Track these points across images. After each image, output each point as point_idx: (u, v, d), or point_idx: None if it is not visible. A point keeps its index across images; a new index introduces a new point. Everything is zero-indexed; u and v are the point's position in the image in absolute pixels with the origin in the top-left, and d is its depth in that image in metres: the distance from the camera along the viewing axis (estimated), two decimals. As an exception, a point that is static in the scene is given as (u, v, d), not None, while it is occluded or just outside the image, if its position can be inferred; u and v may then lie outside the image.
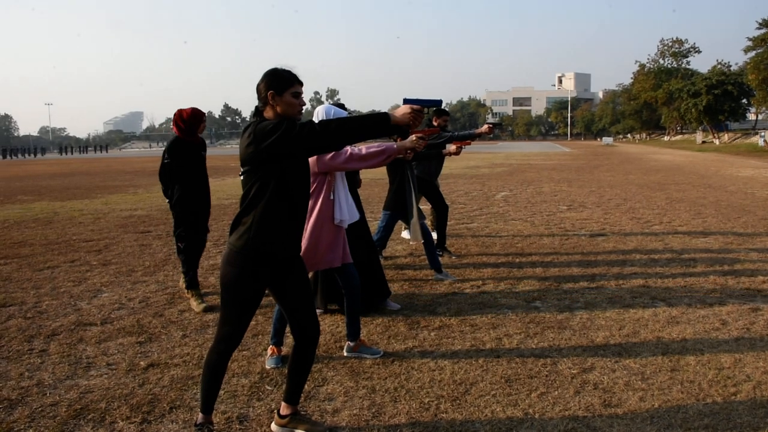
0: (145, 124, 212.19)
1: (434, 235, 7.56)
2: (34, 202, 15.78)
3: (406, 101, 2.88)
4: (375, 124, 2.85)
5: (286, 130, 2.82)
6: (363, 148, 4.10)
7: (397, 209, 6.38)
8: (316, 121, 4.01)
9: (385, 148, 4.11)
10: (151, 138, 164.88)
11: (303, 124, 2.85)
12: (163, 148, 5.90)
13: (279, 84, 2.99)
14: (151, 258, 8.02)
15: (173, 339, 4.87)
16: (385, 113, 2.86)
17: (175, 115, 5.73)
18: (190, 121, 5.67)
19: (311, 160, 4.13)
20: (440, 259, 6.96)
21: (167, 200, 5.87)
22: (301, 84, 3.05)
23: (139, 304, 5.85)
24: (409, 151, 4.21)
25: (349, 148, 4.09)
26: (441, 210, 7.76)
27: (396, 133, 2.95)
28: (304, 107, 3.08)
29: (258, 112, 3.06)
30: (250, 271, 2.99)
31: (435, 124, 7.48)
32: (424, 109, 2.88)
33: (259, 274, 3.01)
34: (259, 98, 3.04)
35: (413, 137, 4.16)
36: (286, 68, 3.06)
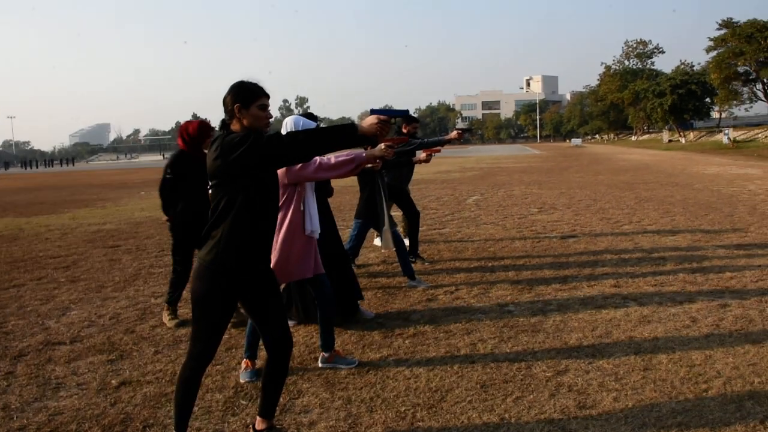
0: (112, 136, 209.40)
1: (407, 242, 7.56)
2: (-2, 219, 15.44)
3: (373, 111, 2.89)
4: (342, 135, 2.84)
5: (253, 143, 2.80)
6: (332, 157, 4.08)
7: (369, 217, 6.37)
8: (284, 133, 4.00)
9: (354, 157, 4.11)
10: (119, 150, 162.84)
11: (270, 136, 2.84)
12: (166, 162, 5.64)
13: (245, 97, 2.98)
14: (121, 273, 7.90)
15: (145, 356, 4.79)
16: (352, 124, 2.87)
17: (180, 127, 5.50)
18: (197, 134, 5.41)
19: (280, 171, 4.10)
20: (413, 265, 6.96)
21: (166, 218, 5.69)
22: (267, 96, 3.04)
23: (109, 321, 5.75)
24: (377, 160, 4.20)
25: (318, 158, 4.07)
26: (412, 216, 7.76)
27: (364, 144, 2.96)
28: (271, 119, 3.06)
29: (225, 125, 3.05)
30: (219, 285, 2.96)
31: (404, 131, 7.49)
32: (391, 119, 2.91)
33: (228, 288, 2.99)
34: (226, 111, 3.03)
35: (382, 146, 4.16)
36: (253, 81, 3.05)
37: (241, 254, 2.97)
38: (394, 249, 6.45)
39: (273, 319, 3.19)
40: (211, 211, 3.00)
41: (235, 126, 3.01)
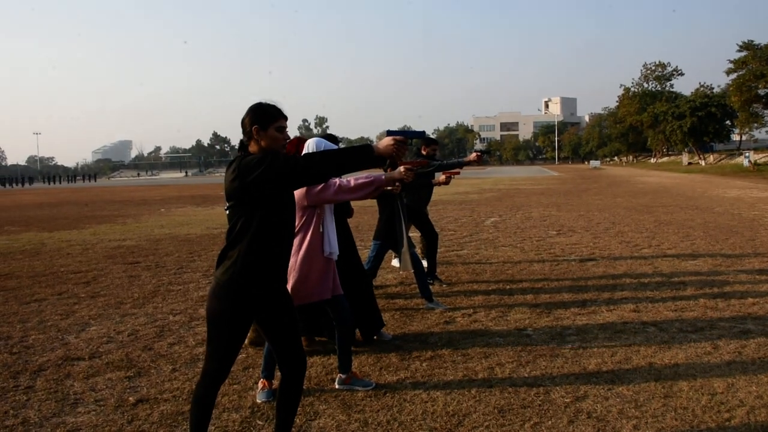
0: (133, 153, 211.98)
1: (425, 263, 7.55)
2: (21, 233, 15.65)
3: (389, 133, 2.89)
4: (359, 155, 2.85)
5: (270, 164, 2.83)
6: (351, 179, 4.11)
7: (387, 239, 6.38)
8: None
9: (373, 180, 4.12)
10: (140, 167, 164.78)
11: (287, 158, 2.87)
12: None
13: (263, 119, 3.02)
14: (140, 290, 7.96)
15: (163, 373, 4.81)
16: (368, 145, 2.88)
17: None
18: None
19: (300, 193, 4.13)
20: (431, 287, 6.94)
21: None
22: (285, 118, 3.07)
23: (127, 338, 5.79)
24: (397, 183, 4.22)
25: (337, 180, 4.10)
26: (431, 238, 7.76)
27: (381, 165, 2.96)
28: (288, 141, 3.09)
29: (243, 146, 3.08)
30: (235, 304, 2.98)
31: (424, 153, 7.52)
32: (408, 140, 2.90)
33: (244, 307, 3.00)
34: (244, 132, 3.07)
35: (401, 169, 4.17)
36: (271, 102, 3.09)
37: (257, 274, 2.99)
38: (413, 271, 6.44)
39: (287, 340, 3.19)
40: (227, 232, 3.03)
41: (252, 147, 3.05)
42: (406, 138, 2.88)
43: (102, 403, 4.24)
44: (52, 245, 12.91)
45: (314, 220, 4.18)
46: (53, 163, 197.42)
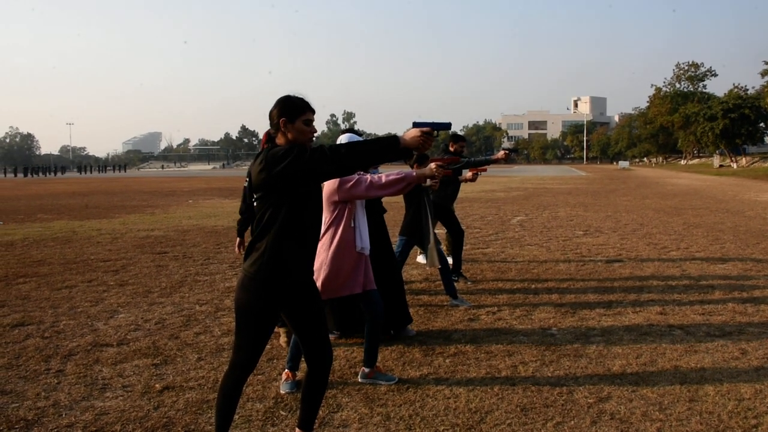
0: (163, 145, 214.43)
1: (450, 261, 7.54)
2: (53, 221, 15.97)
3: (415, 124, 2.88)
4: (384, 147, 2.85)
5: (297, 156, 2.85)
6: (383, 176, 4.12)
7: (413, 235, 6.39)
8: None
9: (405, 176, 4.10)
10: (168, 158, 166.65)
11: (314, 149, 2.87)
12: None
13: (291, 111, 3.04)
14: (168, 279, 8.08)
15: (189, 362, 4.88)
16: (394, 136, 2.87)
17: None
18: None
19: (331, 188, 4.16)
20: (456, 284, 6.94)
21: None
22: (313, 112, 3.09)
23: (155, 326, 5.88)
24: (433, 181, 4.19)
25: (369, 176, 4.12)
26: (456, 235, 7.75)
27: (406, 157, 2.94)
28: (315, 134, 3.11)
29: (270, 138, 3.11)
30: (263, 296, 3.01)
31: (451, 149, 7.51)
32: (434, 132, 2.87)
33: (272, 299, 3.03)
34: (272, 124, 3.09)
35: (432, 165, 4.17)
36: (299, 95, 3.10)
37: (284, 266, 3.01)
38: (439, 267, 6.44)
39: (314, 332, 3.21)
40: (254, 224, 3.05)
41: (280, 140, 3.07)
42: (432, 129, 2.85)
43: (129, 389, 4.32)
44: (82, 234, 13.15)
45: (345, 215, 4.21)
46: (85, 153, 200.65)
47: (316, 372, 3.25)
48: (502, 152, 7.21)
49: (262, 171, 2.93)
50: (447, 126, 3.06)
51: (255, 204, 3.06)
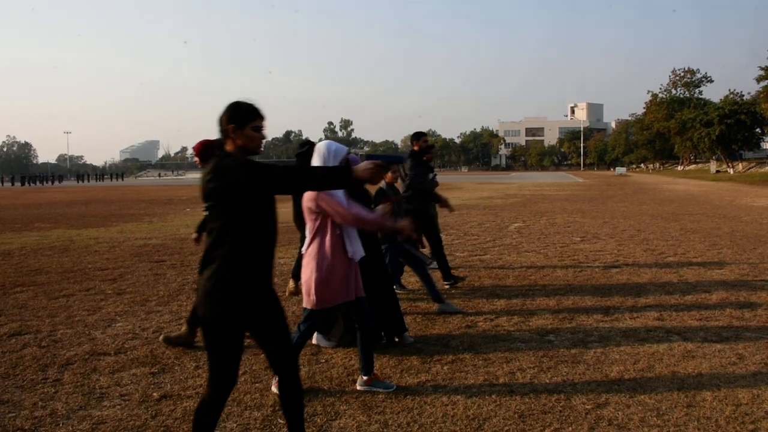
0: (160, 153, 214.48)
1: (429, 263, 7.46)
2: (51, 230, 15.94)
3: (369, 157, 3.04)
4: (337, 175, 2.99)
5: (247, 170, 2.83)
6: (370, 215, 4.30)
7: (393, 240, 6.43)
8: (316, 159, 4.14)
9: (382, 222, 4.38)
10: (166, 167, 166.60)
11: (266, 166, 2.86)
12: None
13: (240, 118, 2.98)
14: (165, 287, 8.07)
15: (186, 370, 4.88)
16: (348, 167, 2.95)
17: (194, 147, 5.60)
18: (201, 151, 5.38)
19: (312, 198, 4.12)
20: (455, 287, 6.94)
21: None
22: (262, 118, 3.04)
23: (152, 334, 5.87)
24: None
25: (359, 211, 4.14)
26: (434, 240, 7.69)
27: (357, 186, 3.17)
28: (264, 141, 3.09)
29: (220, 145, 3.05)
30: (225, 307, 2.93)
31: (416, 149, 7.27)
32: (387, 164, 3.08)
33: (234, 310, 2.95)
34: (220, 131, 3.02)
35: (408, 224, 4.31)
36: (249, 102, 3.05)
37: (241, 277, 2.95)
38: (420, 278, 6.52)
39: (277, 342, 3.14)
40: (207, 234, 3.00)
41: (229, 146, 3.01)
42: (384, 162, 3.02)
43: (127, 397, 4.32)
44: (80, 242, 13.13)
45: (328, 223, 4.18)
46: (82, 161, 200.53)
47: (286, 382, 3.18)
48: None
49: (211, 181, 2.88)
50: (399, 159, 3.41)
51: (206, 213, 3.01)
